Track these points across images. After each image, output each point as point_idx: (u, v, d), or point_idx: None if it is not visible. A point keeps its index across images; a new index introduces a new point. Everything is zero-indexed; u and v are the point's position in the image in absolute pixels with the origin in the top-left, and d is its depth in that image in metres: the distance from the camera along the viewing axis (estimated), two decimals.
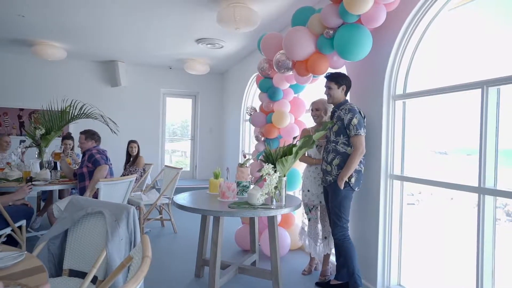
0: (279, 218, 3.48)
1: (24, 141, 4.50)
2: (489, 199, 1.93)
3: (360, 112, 2.55)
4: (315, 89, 3.70)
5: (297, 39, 2.79)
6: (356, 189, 2.58)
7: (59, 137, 4.63)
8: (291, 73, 3.13)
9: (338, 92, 2.63)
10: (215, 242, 2.51)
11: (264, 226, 3.51)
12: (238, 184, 2.86)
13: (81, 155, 4.11)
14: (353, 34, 2.47)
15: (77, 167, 3.92)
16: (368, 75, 2.81)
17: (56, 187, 3.52)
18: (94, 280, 1.82)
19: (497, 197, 1.92)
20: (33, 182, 3.17)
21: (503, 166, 2.00)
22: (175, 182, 4.34)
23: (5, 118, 6.48)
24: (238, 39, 5.08)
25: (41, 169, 3.82)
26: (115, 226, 1.91)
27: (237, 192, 2.82)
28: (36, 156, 3.98)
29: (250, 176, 3.05)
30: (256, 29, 4.06)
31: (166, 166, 4.90)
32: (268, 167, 2.39)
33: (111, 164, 3.63)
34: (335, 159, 2.56)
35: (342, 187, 2.49)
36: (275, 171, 2.41)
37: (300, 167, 3.47)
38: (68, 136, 4.69)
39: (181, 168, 4.40)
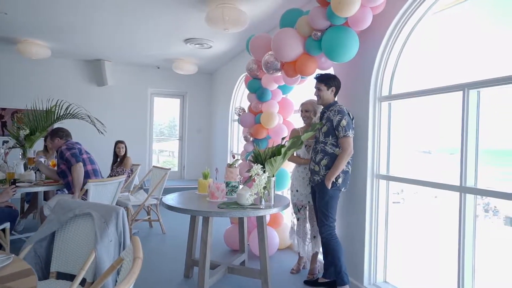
0: (268, 218, 3.50)
1: (7, 141, 4.39)
2: (470, 197, 2.01)
3: (349, 113, 2.60)
4: (303, 89, 3.74)
5: (286, 40, 2.83)
6: (343, 189, 2.63)
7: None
8: (279, 74, 3.16)
9: (328, 93, 2.67)
10: (205, 242, 2.52)
11: (253, 225, 3.53)
12: (227, 184, 2.87)
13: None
14: (340, 36, 2.52)
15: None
16: (355, 76, 2.87)
17: (41, 188, 3.45)
18: (83, 282, 1.80)
19: (477, 196, 2.00)
20: (17, 184, 3.11)
21: (485, 165, 2.08)
22: (163, 183, 4.32)
23: None
24: (226, 39, 5.09)
25: (25, 170, 3.74)
26: (104, 228, 1.90)
27: (226, 192, 2.83)
28: (20, 157, 3.91)
29: (239, 176, 3.07)
30: (245, 30, 4.08)
31: (154, 166, 4.87)
32: (257, 168, 2.41)
33: (89, 154, 3.53)
34: (323, 159, 2.60)
35: (329, 187, 2.53)
36: (264, 171, 2.44)
37: (288, 167, 3.51)
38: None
39: (169, 169, 4.39)
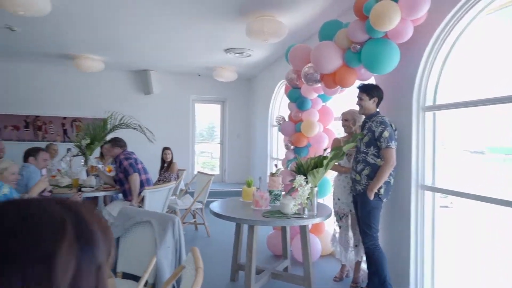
0: (309, 225, 3.59)
1: (70, 149, 4.87)
2: None
3: (391, 125, 2.62)
4: (343, 97, 3.78)
5: (325, 53, 2.89)
6: (384, 200, 2.65)
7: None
8: (319, 85, 3.23)
9: (370, 104, 2.70)
10: (250, 249, 2.67)
11: (295, 232, 3.63)
12: (270, 192, 3.00)
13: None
14: (380, 49, 2.54)
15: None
16: (397, 86, 2.86)
17: (102, 194, 3.81)
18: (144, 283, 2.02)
19: None
20: (81, 189, 3.48)
21: None
22: (208, 188, 4.55)
23: (50, 126, 6.99)
24: (265, 48, 5.23)
25: (87, 176, 4.14)
26: (163, 235, 2.11)
27: (270, 201, 2.96)
28: (82, 163, 4.32)
29: (281, 184, 3.19)
30: (283, 38, 4.19)
31: (199, 172, 5.13)
32: (300, 179, 2.51)
33: (142, 164, 3.85)
34: (364, 169, 2.64)
35: (371, 198, 2.57)
36: (307, 182, 2.53)
37: (330, 175, 3.57)
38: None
39: (213, 175, 4.61)
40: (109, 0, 3.54)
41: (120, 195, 3.91)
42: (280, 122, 4.04)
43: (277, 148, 6.26)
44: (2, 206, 0.48)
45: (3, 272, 0.41)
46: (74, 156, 4.56)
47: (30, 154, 3.33)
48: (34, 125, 6.94)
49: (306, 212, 2.60)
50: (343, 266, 3.26)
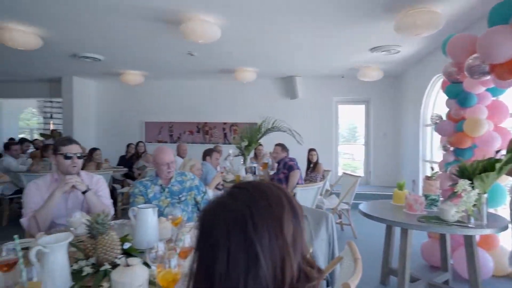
0: (477, 238, 3.16)
1: (230, 150, 5.74)
2: None
3: None
4: None
5: (499, 40, 2.51)
6: None
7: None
8: (487, 77, 2.82)
9: None
10: (404, 253, 2.58)
11: (457, 243, 3.26)
12: (426, 197, 2.81)
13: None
14: None
15: (271, 172, 4.72)
16: None
17: None
18: None
19: None
20: None
21: None
22: (354, 189, 4.56)
23: (214, 131, 8.36)
24: (415, 42, 4.85)
25: (246, 173, 4.81)
26: (317, 229, 2.30)
27: (425, 205, 2.78)
28: (242, 162, 5.03)
29: (439, 189, 2.93)
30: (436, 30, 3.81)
31: (344, 173, 5.19)
32: (464, 183, 2.28)
33: (299, 169, 4.22)
34: None
35: None
36: (473, 188, 2.28)
37: (504, 180, 3.05)
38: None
39: (360, 176, 4.59)
40: (262, 21, 4.04)
41: None
42: (437, 121, 3.69)
43: (430, 149, 5.67)
44: (248, 184, 0.73)
45: (257, 224, 0.64)
46: (235, 156, 5.35)
47: (206, 154, 4.14)
48: (203, 130, 8.43)
49: (472, 220, 2.33)
50: None
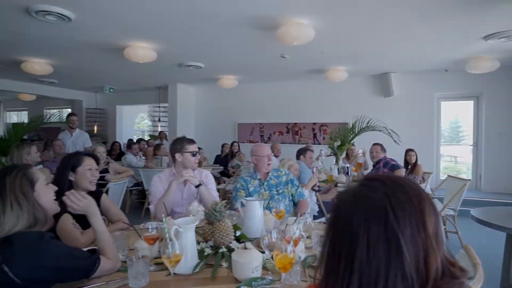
0: None
1: (322, 150, 5.72)
2: None
3: None
4: None
5: None
6: None
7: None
8: None
9: None
10: None
11: None
12: None
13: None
14: None
15: (365, 172, 4.58)
16: None
17: None
18: None
19: None
20: (338, 185, 4.05)
21: None
22: (462, 194, 4.11)
23: (304, 131, 8.43)
24: None
25: (338, 174, 4.75)
26: None
27: None
28: (334, 162, 4.99)
29: None
30: None
31: (448, 176, 4.72)
32: None
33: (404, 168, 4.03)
34: None
35: None
36: None
37: None
38: None
39: (469, 180, 4.12)
40: (358, 17, 3.94)
41: None
42: None
43: None
44: (382, 176, 0.75)
45: (398, 216, 0.65)
46: (327, 156, 5.32)
47: (300, 153, 4.23)
48: (293, 130, 8.57)
49: None
50: None
